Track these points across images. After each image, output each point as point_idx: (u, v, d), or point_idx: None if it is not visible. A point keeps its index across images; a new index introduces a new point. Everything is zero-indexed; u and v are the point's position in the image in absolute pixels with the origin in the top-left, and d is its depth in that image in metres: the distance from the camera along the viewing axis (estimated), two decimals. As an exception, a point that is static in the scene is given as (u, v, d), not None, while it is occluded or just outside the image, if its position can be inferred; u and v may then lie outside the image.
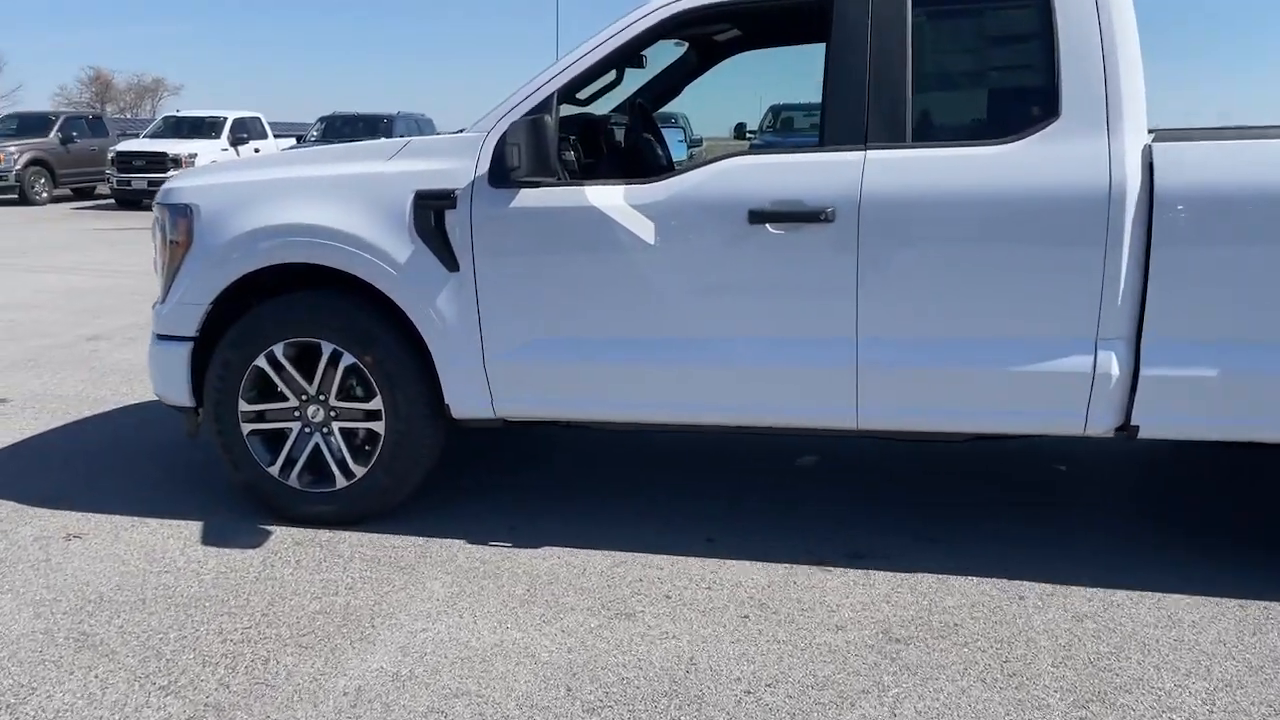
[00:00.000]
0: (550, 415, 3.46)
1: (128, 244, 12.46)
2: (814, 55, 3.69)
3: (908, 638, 2.82)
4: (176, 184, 3.72)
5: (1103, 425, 3.08)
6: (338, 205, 3.38)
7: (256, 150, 17.91)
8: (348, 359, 3.45)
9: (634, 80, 4.35)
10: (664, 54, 4.45)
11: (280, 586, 3.15)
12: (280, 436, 3.60)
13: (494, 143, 3.27)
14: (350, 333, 3.43)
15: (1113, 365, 3.01)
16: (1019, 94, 3.30)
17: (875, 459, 4.30)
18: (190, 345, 3.58)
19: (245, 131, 19.01)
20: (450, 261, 3.31)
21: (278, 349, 3.49)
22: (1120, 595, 3.05)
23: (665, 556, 3.35)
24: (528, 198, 3.26)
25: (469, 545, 3.45)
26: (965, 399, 3.13)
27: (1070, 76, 3.00)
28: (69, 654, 2.75)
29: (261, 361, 3.51)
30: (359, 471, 3.53)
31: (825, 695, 2.55)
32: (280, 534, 3.54)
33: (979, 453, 4.32)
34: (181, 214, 3.57)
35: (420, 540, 3.48)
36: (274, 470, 3.59)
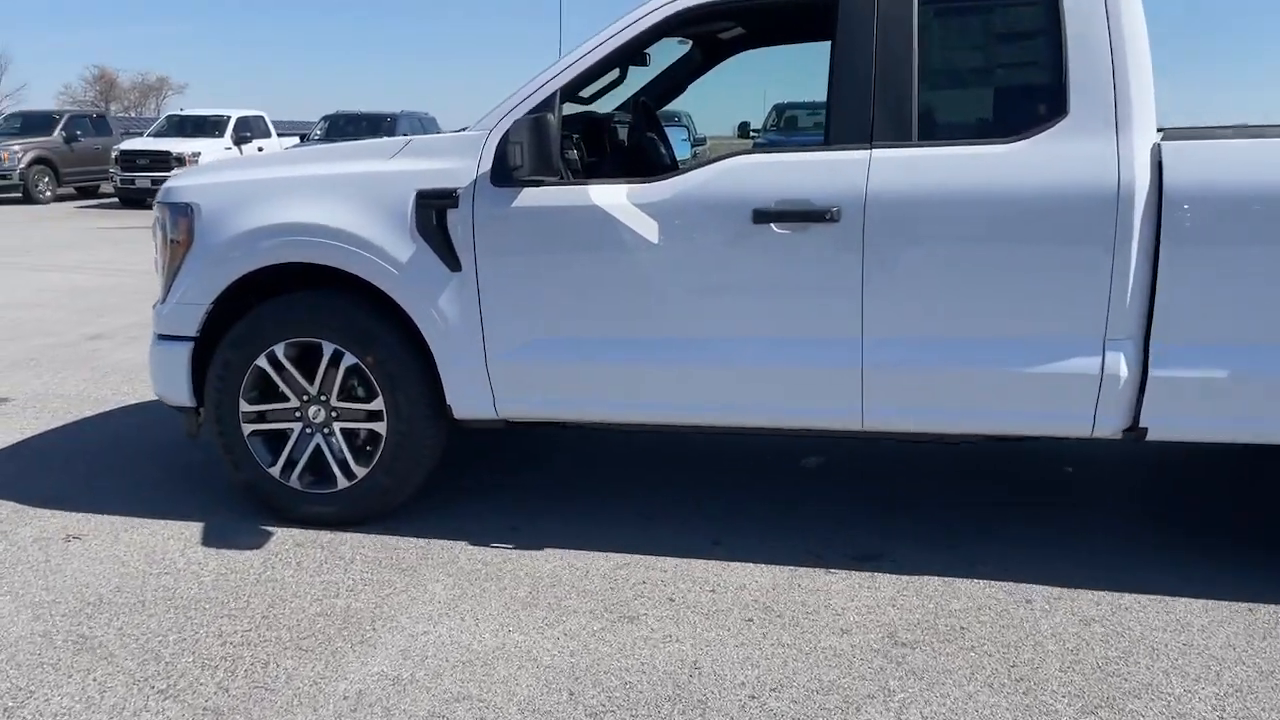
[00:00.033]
0: (553, 416, 3.43)
1: (131, 243, 12.45)
2: (818, 53, 3.66)
3: (914, 641, 2.80)
4: (177, 183, 3.70)
5: (1111, 427, 3.05)
6: (339, 204, 3.36)
7: (260, 149, 17.90)
8: (349, 359, 3.42)
9: (637, 78, 4.33)
10: (668, 52, 4.42)
11: (281, 588, 3.13)
12: (281, 437, 3.58)
13: (496, 141, 3.24)
14: (351, 333, 3.41)
15: (1121, 366, 2.98)
16: (1026, 92, 3.27)
17: (880, 460, 4.27)
18: (191, 345, 3.56)
19: (249, 130, 19.01)
20: (452, 261, 3.28)
21: (279, 349, 3.47)
22: (1128, 599, 3.02)
23: (668, 558, 3.33)
24: (530, 197, 3.23)
25: (471, 546, 3.43)
26: (971, 400, 3.10)
27: (1078, 74, 2.97)
28: (67, 657, 2.73)
29: (262, 361, 3.49)
30: (360, 472, 3.50)
31: (830, 700, 2.52)
32: (281, 535, 3.52)
33: (985, 454, 4.29)
34: (182, 213, 3.55)
35: (422, 541, 3.46)
36: (275, 471, 3.57)
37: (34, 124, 19.92)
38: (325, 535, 3.52)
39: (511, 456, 4.37)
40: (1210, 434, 3.04)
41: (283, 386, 3.52)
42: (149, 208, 17.11)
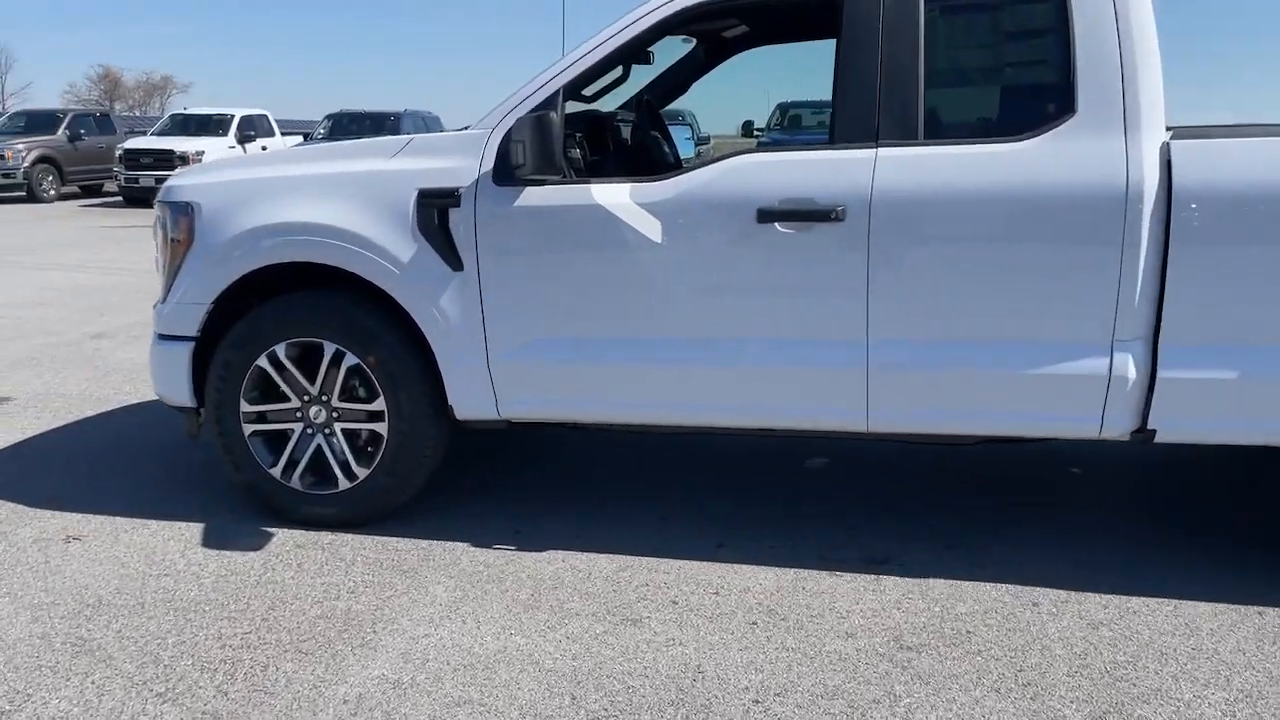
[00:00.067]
0: (555, 416, 3.41)
1: (134, 241, 12.45)
2: (823, 52, 3.64)
3: (920, 646, 2.77)
4: (178, 182, 3.68)
5: (1119, 429, 3.02)
6: (340, 203, 3.34)
7: (264, 148, 17.90)
8: (350, 359, 3.40)
9: (641, 77, 4.30)
10: (671, 50, 4.39)
11: (281, 590, 3.11)
12: (282, 437, 3.56)
13: (498, 140, 3.21)
14: (352, 333, 3.38)
15: (1129, 367, 2.95)
16: (1034, 90, 3.24)
17: (884, 462, 4.24)
18: (191, 345, 3.54)
19: (253, 129, 19.00)
20: (454, 260, 3.26)
21: (279, 349, 3.45)
22: (1136, 602, 2.99)
23: (672, 561, 3.30)
24: (533, 196, 3.21)
25: (472, 548, 3.40)
26: (977, 401, 3.07)
27: (1087, 72, 2.93)
28: (66, 659, 2.71)
29: (263, 362, 3.47)
30: (361, 473, 3.48)
31: (835, 705, 2.49)
32: (282, 536, 3.50)
33: (991, 455, 4.25)
34: (183, 212, 3.53)
35: (423, 543, 3.44)
36: (276, 471, 3.55)
37: (38, 123, 19.93)
38: (326, 537, 3.49)
39: (513, 457, 4.35)
40: (1219, 436, 3.01)
41: (284, 387, 3.50)
42: (153, 206, 17.05)
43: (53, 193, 18.84)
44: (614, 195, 3.18)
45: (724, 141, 23.79)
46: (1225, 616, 2.90)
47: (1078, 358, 2.97)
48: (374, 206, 3.30)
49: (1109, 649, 2.74)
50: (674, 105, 5.03)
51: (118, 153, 18.27)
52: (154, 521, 3.63)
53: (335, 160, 3.49)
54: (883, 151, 3.02)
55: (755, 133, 19.04)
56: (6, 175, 18.03)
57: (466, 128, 3.40)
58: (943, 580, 3.14)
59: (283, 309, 3.46)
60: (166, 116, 21.07)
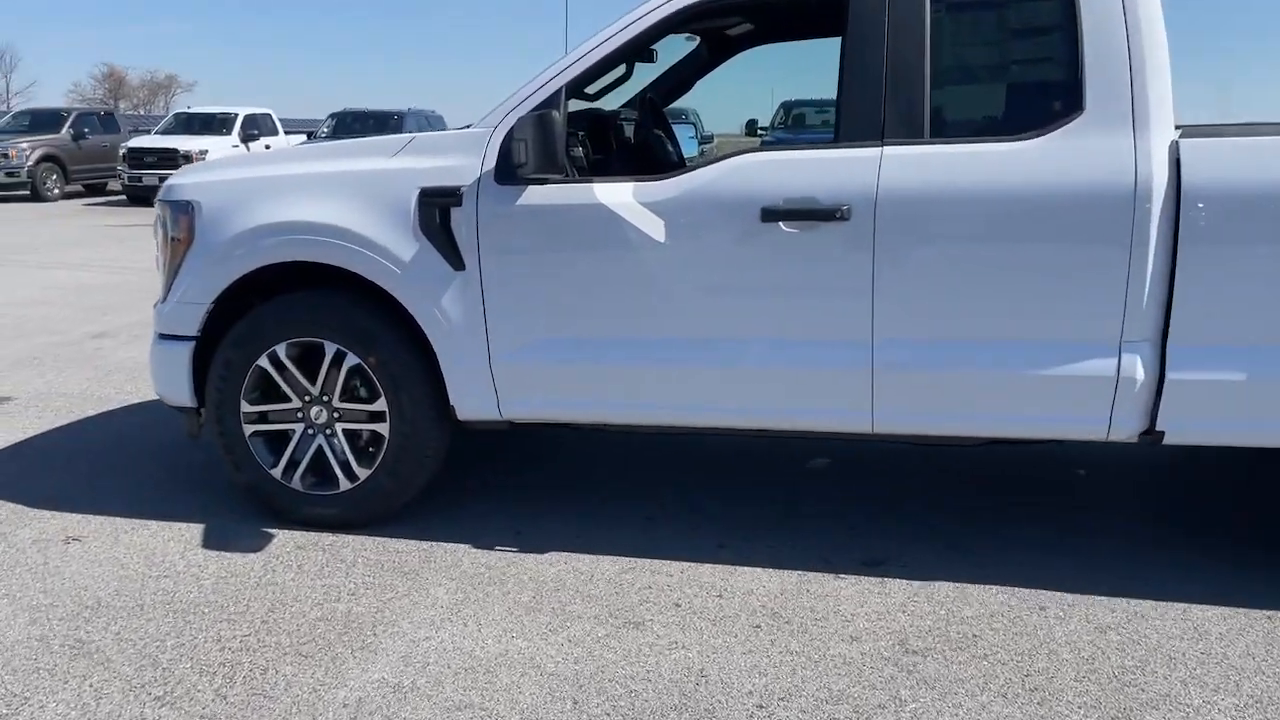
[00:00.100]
0: (558, 417, 3.38)
1: (138, 240, 12.43)
2: (828, 50, 3.61)
3: (925, 649, 2.74)
4: (179, 180, 3.66)
5: (1127, 430, 2.99)
6: (341, 202, 3.31)
7: (267, 147, 17.88)
8: (351, 359, 3.38)
9: (644, 75, 4.27)
10: (675, 49, 4.36)
11: (281, 592, 3.08)
12: (283, 438, 3.54)
13: (500, 139, 3.19)
14: (353, 333, 3.36)
15: (1137, 368, 2.91)
16: (1041, 88, 3.20)
17: (888, 463, 4.21)
18: (192, 345, 3.52)
19: (256, 128, 18.99)
20: (455, 260, 3.23)
21: (280, 349, 3.42)
22: (1145, 605, 2.96)
23: (674, 563, 3.27)
24: (535, 195, 3.18)
25: (474, 550, 3.38)
26: (983, 402, 3.04)
27: (1095, 70, 2.90)
28: (64, 662, 2.69)
29: (264, 362, 3.45)
30: (362, 474, 3.46)
31: (840, 710, 2.46)
32: (282, 537, 3.47)
33: (997, 457, 4.22)
34: (183, 211, 3.51)
35: (424, 544, 3.41)
36: (276, 472, 3.52)
37: (42, 121, 19.94)
38: (327, 538, 3.47)
39: (515, 458, 4.32)
40: (1228, 438, 2.98)
41: (284, 387, 3.48)
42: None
43: (57, 191, 18.85)
44: (617, 194, 3.15)
45: (728, 140, 23.71)
46: (1234, 620, 2.87)
47: (1085, 358, 2.94)
48: (375, 206, 3.27)
49: (1117, 653, 2.71)
50: (677, 104, 5.01)
51: (121, 152, 18.28)
52: (154, 522, 3.61)
53: (336, 159, 3.47)
54: (888, 150, 2.99)
55: (759, 131, 18.97)
56: (11, 174, 18.04)
57: (469, 126, 3.38)
58: (948, 583, 3.11)
59: (283, 309, 3.44)
60: (170, 115, 21.08)
